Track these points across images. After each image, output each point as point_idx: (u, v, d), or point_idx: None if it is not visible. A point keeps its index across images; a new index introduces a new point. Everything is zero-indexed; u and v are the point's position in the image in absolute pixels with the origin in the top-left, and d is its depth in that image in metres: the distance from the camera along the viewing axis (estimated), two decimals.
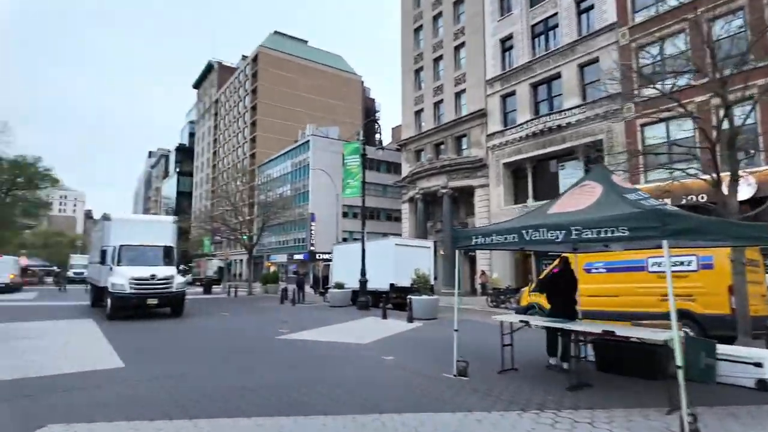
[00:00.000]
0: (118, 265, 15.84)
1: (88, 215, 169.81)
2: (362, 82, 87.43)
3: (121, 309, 15.08)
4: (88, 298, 22.11)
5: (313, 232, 54.55)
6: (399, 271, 18.94)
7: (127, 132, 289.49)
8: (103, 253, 16.24)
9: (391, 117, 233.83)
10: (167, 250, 17.18)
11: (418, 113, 39.16)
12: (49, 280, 56.24)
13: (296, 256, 58.30)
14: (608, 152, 19.26)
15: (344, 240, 45.52)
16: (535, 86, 28.29)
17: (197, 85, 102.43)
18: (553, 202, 6.74)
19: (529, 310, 12.06)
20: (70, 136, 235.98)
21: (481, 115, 31.47)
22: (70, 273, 55.96)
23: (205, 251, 71.99)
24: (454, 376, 6.80)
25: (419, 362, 7.97)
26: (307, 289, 27.14)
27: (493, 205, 29.70)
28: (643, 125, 21.05)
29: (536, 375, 7.04)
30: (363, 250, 18.82)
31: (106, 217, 17.30)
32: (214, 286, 34.87)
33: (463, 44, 34.44)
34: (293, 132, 68.93)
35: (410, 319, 14.43)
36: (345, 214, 57.23)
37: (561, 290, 7.72)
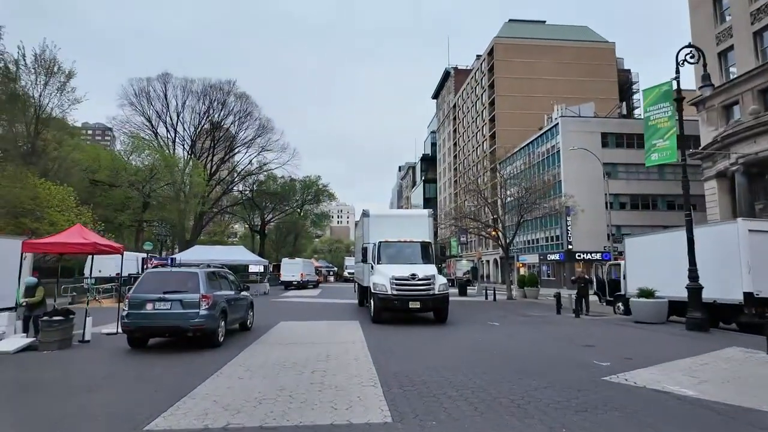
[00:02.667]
0: (378, 263, 14.47)
1: (357, 225, 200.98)
2: (614, 51, 73.94)
3: (383, 311, 13.49)
4: (356, 297, 22.53)
5: (569, 228, 47.31)
6: (759, 272, 11.90)
7: (381, 151, 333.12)
8: (364, 250, 15.29)
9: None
10: (425, 247, 15.05)
11: (722, 54, 28.26)
12: (331, 279, 66.87)
13: (550, 257, 51.91)
14: None
15: (611, 236, 36.95)
16: None
17: (436, 95, 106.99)
18: None
19: None
20: (337, 161, 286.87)
21: None
22: (345, 273, 64.86)
23: (452, 252, 72.79)
24: None
25: None
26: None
27: None
28: None
29: None
30: (690, 240, 12.52)
31: (365, 214, 16.50)
32: (468, 288, 32.67)
33: None
34: (535, 121, 62.83)
35: None
36: (609, 205, 47.75)
37: None
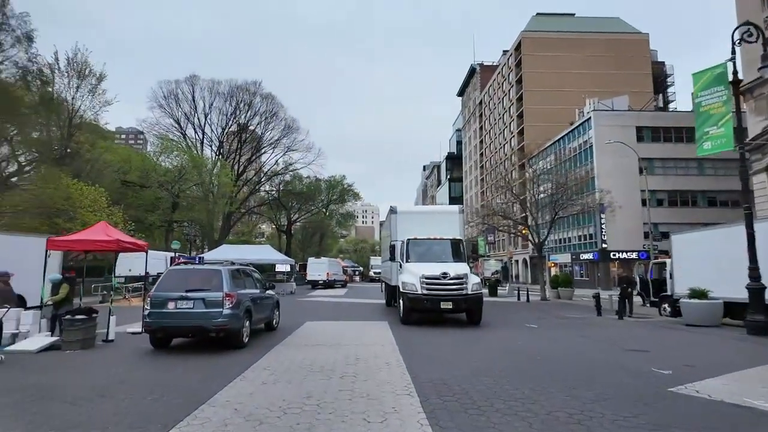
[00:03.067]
0: (407, 262, 13.86)
1: (382, 225, 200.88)
2: (648, 42, 71.01)
3: (413, 311, 12.86)
4: (383, 297, 21.99)
5: (603, 226, 45.47)
6: None
7: (405, 151, 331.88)
8: (392, 248, 14.70)
9: (687, 82, 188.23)
10: (456, 244, 14.35)
11: None
12: (357, 278, 66.66)
13: (583, 256, 50.11)
14: None
15: (651, 234, 35.20)
16: None
17: (461, 93, 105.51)
18: None
19: None
20: (360, 162, 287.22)
21: None
22: (371, 273, 64.48)
23: (479, 252, 71.37)
24: None
25: None
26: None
27: None
28: None
29: None
30: (751, 236, 11.40)
31: (392, 210, 15.91)
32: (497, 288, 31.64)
33: None
34: (564, 116, 60.92)
35: None
36: (644, 202, 45.61)
37: None
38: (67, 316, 8.74)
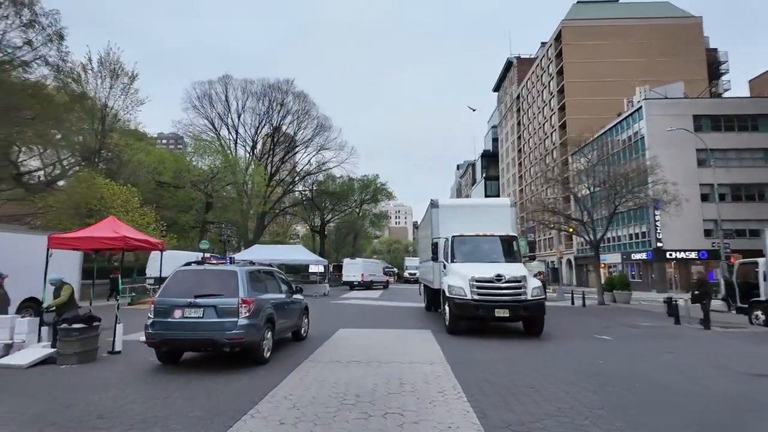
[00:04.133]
0: (452, 262, 12.11)
1: (415, 225, 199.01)
2: (701, 26, 65.96)
3: (461, 319, 11.10)
4: (422, 300, 20.29)
5: (658, 224, 41.99)
6: None
7: (438, 151, 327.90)
8: (434, 246, 12.96)
9: (742, 68, 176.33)
10: (509, 242, 12.49)
11: None
12: (392, 279, 65.11)
13: (635, 256, 46.58)
14: None
15: (720, 231, 31.79)
16: None
17: (497, 88, 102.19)
18: None
19: None
20: (393, 162, 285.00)
21: None
22: (405, 273, 62.75)
23: (524, 252, 68.31)
24: None
25: None
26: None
27: None
28: None
29: None
30: None
31: (433, 204, 14.15)
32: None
33: None
34: (609, 108, 57.28)
35: None
36: (704, 197, 41.74)
37: None
38: (63, 325, 7.54)
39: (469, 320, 11.23)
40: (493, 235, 12.44)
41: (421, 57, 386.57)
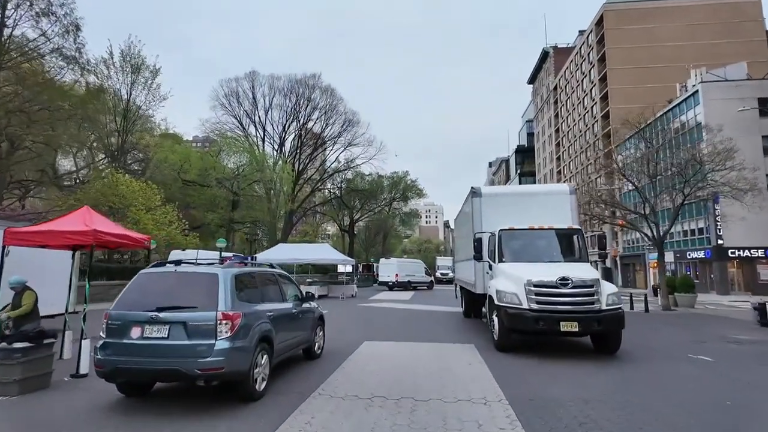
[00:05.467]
0: (500, 262, 9.88)
1: (446, 225, 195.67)
2: (760, 4, 60.35)
3: (513, 332, 8.86)
4: (458, 303, 18.08)
5: (718, 219, 38.01)
6: None
7: (469, 149, 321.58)
8: (477, 243, 10.73)
9: None
10: (571, 237, 10.15)
11: None
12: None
13: (690, 254, 42.55)
14: None
15: None
16: None
17: (532, 80, 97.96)
18: None
19: None
20: (422, 162, 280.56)
21: None
22: (437, 274, 60.27)
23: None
24: None
25: None
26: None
27: None
28: None
29: None
30: None
31: (475, 192, 11.89)
32: None
33: None
34: (657, 95, 52.88)
35: None
36: None
37: None
38: (2, 345, 5.84)
39: (524, 333, 8.98)
40: (551, 228, 10.12)
41: (448, 54, 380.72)
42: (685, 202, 18.63)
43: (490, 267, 10.39)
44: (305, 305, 7.67)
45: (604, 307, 8.34)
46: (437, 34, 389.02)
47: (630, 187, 21.26)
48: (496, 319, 9.19)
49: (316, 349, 8.08)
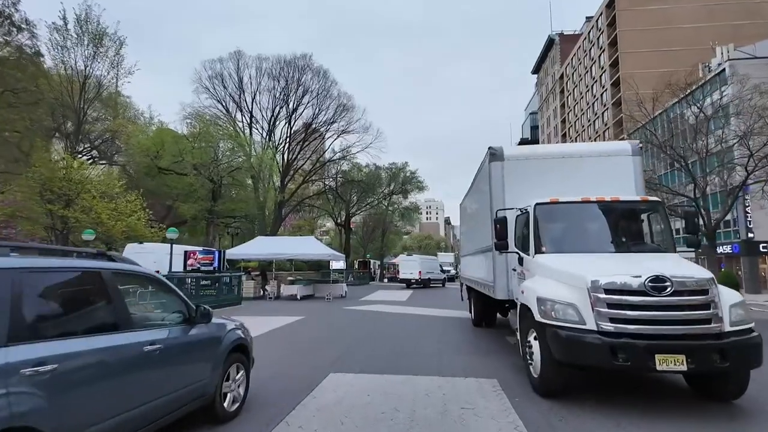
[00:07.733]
0: (538, 253, 6.38)
1: (447, 221, 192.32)
2: None
3: (564, 368, 5.30)
4: (466, 306, 14.58)
5: (748, 211, 34.51)
6: None
7: (470, 145, 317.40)
8: (500, 224, 7.14)
9: None
10: (648, 214, 6.66)
11: None
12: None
13: (717, 249, 38.88)
14: None
15: None
16: None
17: (536, 70, 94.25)
18: None
19: None
20: (422, 158, 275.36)
21: None
22: None
23: None
24: None
25: None
26: None
27: None
28: None
29: None
30: None
31: (494, 154, 8.27)
32: None
33: None
34: (677, 79, 49.26)
35: None
36: None
37: None
38: None
39: (586, 369, 5.45)
40: (617, 200, 6.58)
41: (446, 52, 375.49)
42: (751, 183, 15.17)
43: (521, 261, 6.87)
44: (197, 331, 4.16)
45: (728, 328, 4.82)
46: (436, 31, 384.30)
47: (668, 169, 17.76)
48: (535, 344, 5.66)
49: (226, 403, 4.54)
